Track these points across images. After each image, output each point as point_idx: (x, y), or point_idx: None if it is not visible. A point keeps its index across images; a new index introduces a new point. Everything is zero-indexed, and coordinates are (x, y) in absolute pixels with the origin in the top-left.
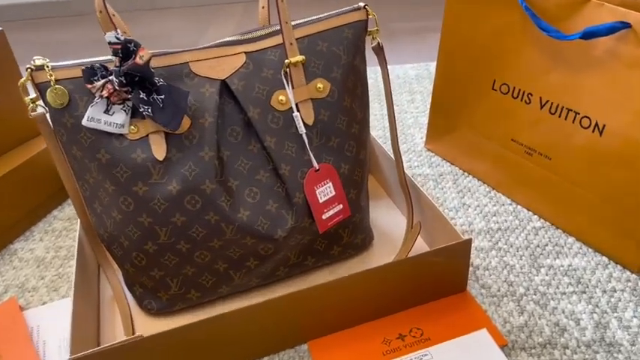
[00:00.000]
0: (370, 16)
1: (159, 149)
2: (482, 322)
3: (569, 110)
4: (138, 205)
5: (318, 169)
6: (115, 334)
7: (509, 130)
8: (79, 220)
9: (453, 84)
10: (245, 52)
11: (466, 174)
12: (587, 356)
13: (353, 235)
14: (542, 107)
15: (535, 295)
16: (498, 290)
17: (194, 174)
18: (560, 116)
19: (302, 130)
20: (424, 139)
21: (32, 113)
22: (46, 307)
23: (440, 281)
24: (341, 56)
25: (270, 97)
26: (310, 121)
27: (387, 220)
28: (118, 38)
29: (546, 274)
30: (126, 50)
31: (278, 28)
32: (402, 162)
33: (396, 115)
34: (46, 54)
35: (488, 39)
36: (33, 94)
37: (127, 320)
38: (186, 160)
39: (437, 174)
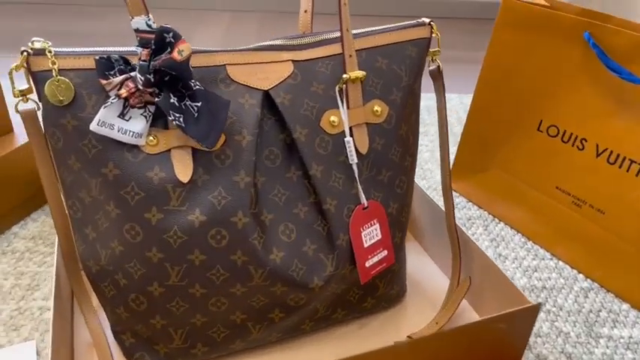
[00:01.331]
0: (434, 35)
1: (183, 169)
2: None
3: (631, 162)
4: (148, 236)
5: (366, 207)
6: None
7: (554, 176)
8: (57, 243)
9: (490, 119)
10: (293, 61)
11: (496, 220)
12: None
13: (389, 285)
14: (598, 155)
15: None
16: None
17: (224, 202)
18: (620, 167)
19: (354, 159)
20: None
21: (20, 108)
22: (3, 352)
23: (494, 350)
24: (402, 77)
25: (320, 116)
26: (364, 150)
27: (420, 270)
28: (149, 25)
29: (607, 347)
30: (160, 41)
31: (331, 36)
32: (453, 205)
33: (424, 155)
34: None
35: (538, 74)
36: (24, 85)
37: None
38: (216, 185)
39: (464, 218)
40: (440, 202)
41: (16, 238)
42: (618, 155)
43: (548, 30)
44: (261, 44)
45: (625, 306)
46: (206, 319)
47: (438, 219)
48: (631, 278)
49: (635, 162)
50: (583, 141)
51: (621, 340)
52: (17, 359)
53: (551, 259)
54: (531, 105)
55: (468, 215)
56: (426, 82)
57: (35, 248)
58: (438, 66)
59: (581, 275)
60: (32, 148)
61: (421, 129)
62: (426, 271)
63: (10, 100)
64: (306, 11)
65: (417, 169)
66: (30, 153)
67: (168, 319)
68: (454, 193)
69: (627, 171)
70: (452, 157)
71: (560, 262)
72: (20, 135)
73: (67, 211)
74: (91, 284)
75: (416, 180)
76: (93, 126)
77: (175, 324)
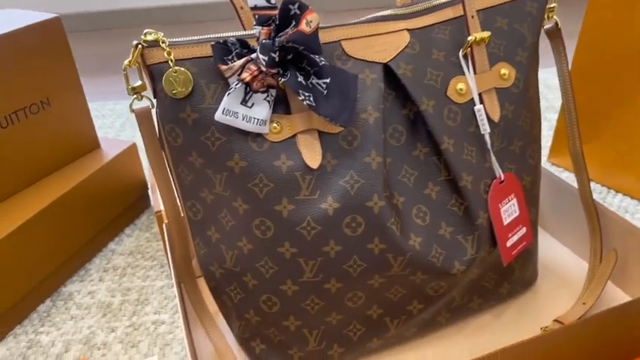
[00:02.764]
0: None
1: (311, 154)
2: None
3: None
4: (279, 229)
5: (502, 180)
6: None
7: None
8: (167, 253)
9: (594, 85)
10: (408, 29)
11: (614, 192)
12: None
13: (524, 267)
14: None
15: None
16: None
17: (357, 186)
18: None
19: (486, 128)
20: (546, 152)
21: (134, 107)
22: None
23: None
24: (525, 36)
25: (446, 85)
26: (496, 117)
27: (541, 249)
28: (268, 1)
29: None
30: (284, 15)
31: (439, 1)
32: (587, 173)
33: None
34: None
35: None
36: (137, 82)
37: None
38: (346, 169)
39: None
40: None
41: (114, 254)
42: None
43: None
44: (373, 15)
45: None
46: (342, 317)
47: (559, 194)
48: None
49: None
50: None
51: None
52: None
53: None
54: None
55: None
56: None
57: (136, 263)
58: (556, 22)
59: None
60: (146, 149)
61: None
62: (551, 252)
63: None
64: None
65: None
66: (118, 168)
67: (302, 319)
68: (557, 169)
69: None
70: (544, 131)
71: None
72: (107, 150)
73: (184, 214)
74: (212, 291)
75: None
76: (218, 115)
77: (310, 324)
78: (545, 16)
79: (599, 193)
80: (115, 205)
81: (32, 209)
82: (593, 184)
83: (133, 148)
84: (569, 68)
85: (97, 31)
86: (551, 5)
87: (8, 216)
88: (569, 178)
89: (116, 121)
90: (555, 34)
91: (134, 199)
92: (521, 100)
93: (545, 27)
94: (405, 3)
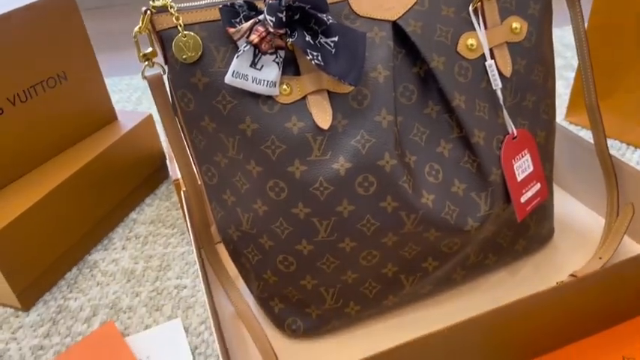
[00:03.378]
0: None
1: (322, 115)
2: None
3: None
4: (293, 190)
5: (515, 136)
6: None
7: None
8: (186, 220)
9: (613, 39)
10: None
11: (633, 148)
12: None
13: (540, 224)
14: None
15: None
16: None
17: (369, 146)
18: None
19: (498, 84)
20: (563, 110)
21: (146, 74)
22: (152, 331)
23: None
24: None
25: (456, 41)
26: (508, 72)
27: (558, 206)
28: None
29: None
30: None
31: None
32: (603, 126)
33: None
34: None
35: None
36: (148, 49)
37: (266, 348)
38: (357, 129)
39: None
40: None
41: (136, 224)
42: None
43: None
44: None
45: None
46: (357, 275)
47: (574, 150)
48: None
49: None
50: None
51: None
52: (168, 337)
53: None
54: None
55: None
56: None
57: (157, 231)
58: None
59: None
60: (160, 115)
61: None
62: (567, 208)
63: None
64: None
65: None
66: (135, 139)
67: (318, 278)
68: (575, 127)
69: None
70: (561, 90)
71: None
72: (124, 122)
73: (200, 180)
74: (230, 254)
75: None
76: (228, 78)
77: (326, 283)
78: None
79: (617, 149)
80: (134, 176)
81: (54, 181)
82: (611, 141)
83: (150, 119)
84: (586, 23)
85: (100, 9)
86: None
87: (31, 189)
88: (587, 135)
89: (133, 95)
90: None
91: (153, 169)
92: (534, 54)
93: None
94: None
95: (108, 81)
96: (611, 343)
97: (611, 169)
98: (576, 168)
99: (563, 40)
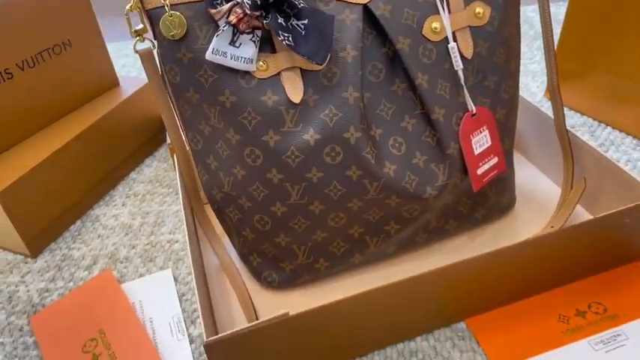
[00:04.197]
0: None
1: (294, 90)
2: None
3: None
4: (267, 158)
5: (475, 113)
6: (230, 311)
7: None
8: (179, 182)
9: (591, 20)
10: None
11: (604, 125)
12: None
13: (500, 194)
14: None
15: None
16: None
17: (336, 119)
18: None
19: (459, 64)
20: (541, 88)
21: (137, 48)
22: (145, 280)
23: (618, 248)
24: None
25: (421, 24)
26: (469, 54)
27: (524, 178)
28: None
29: None
30: None
31: None
32: (562, 105)
33: None
34: None
35: None
36: (139, 25)
37: (245, 296)
38: (326, 103)
39: (568, 126)
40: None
41: (135, 183)
42: None
43: None
44: None
45: None
46: (326, 235)
47: (542, 126)
48: None
49: None
50: None
51: None
52: (158, 285)
53: None
54: None
55: (571, 124)
56: None
57: (154, 190)
58: None
59: None
60: (152, 86)
61: None
62: (533, 181)
63: (114, 57)
64: None
65: None
66: (136, 104)
67: (291, 236)
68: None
69: None
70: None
71: None
72: (126, 87)
73: (187, 145)
74: (215, 212)
75: None
76: (208, 55)
77: (298, 241)
78: None
79: (589, 126)
80: (134, 139)
81: (60, 141)
82: (584, 118)
83: (149, 86)
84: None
85: None
86: None
87: (39, 148)
88: (567, 113)
89: (138, 60)
90: None
91: (152, 133)
92: (497, 38)
93: None
94: None
95: (115, 45)
96: (549, 304)
97: (567, 145)
98: (542, 142)
99: (557, 17)
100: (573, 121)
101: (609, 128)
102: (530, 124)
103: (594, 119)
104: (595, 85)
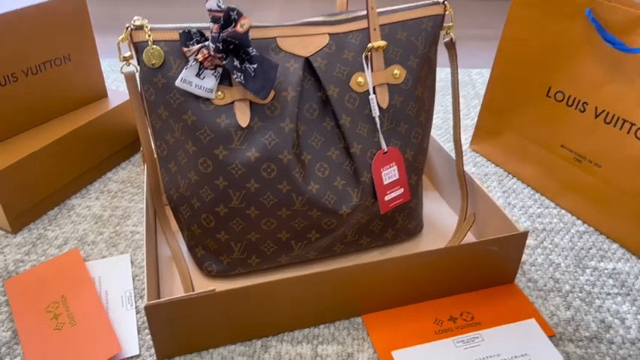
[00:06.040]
0: (447, 12)
1: (243, 116)
2: (530, 313)
3: (624, 121)
4: (216, 167)
5: (386, 152)
6: (172, 290)
7: (560, 136)
8: (145, 181)
9: (507, 88)
10: (329, 34)
11: (510, 176)
12: (632, 352)
13: (407, 220)
14: (597, 116)
15: (581, 293)
16: (545, 285)
17: (273, 143)
18: (614, 126)
19: (376, 112)
20: (469, 139)
21: (123, 70)
22: (106, 260)
23: (491, 271)
24: (418, 47)
25: (349, 77)
26: (384, 105)
27: (437, 212)
28: (219, 6)
29: (591, 275)
30: (227, 18)
31: (361, 14)
32: (462, 153)
33: (441, 116)
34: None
35: (547, 46)
36: (127, 53)
37: (187, 278)
38: (267, 130)
39: (482, 174)
40: None
41: (110, 181)
42: (614, 116)
43: (556, 7)
44: (305, 20)
45: (615, 245)
46: (259, 236)
47: (452, 168)
48: (623, 220)
49: (627, 121)
50: (585, 104)
51: (605, 271)
52: (117, 267)
53: (555, 207)
54: (542, 74)
55: (485, 172)
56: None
57: (125, 189)
58: (451, 38)
59: (579, 221)
60: (132, 101)
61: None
62: (441, 212)
63: (105, 70)
64: None
65: (444, 135)
66: (119, 114)
67: (230, 234)
68: (475, 153)
69: (620, 129)
70: (473, 122)
71: (562, 211)
72: (113, 99)
73: (155, 152)
74: (172, 209)
75: (441, 139)
76: (177, 82)
77: (235, 239)
78: (445, 32)
79: (499, 175)
80: (114, 143)
81: (49, 138)
82: (497, 168)
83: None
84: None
85: None
86: (449, 24)
87: (30, 142)
88: (481, 161)
89: None
90: (450, 47)
91: (131, 140)
92: (409, 95)
93: (444, 41)
94: (336, 12)
95: (109, 61)
96: (430, 309)
97: (464, 186)
98: (452, 182)
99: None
100: (488, 169)
101: (515, 179)
102: (445, 167)
103: (504, 170)
104: (507, 142)
